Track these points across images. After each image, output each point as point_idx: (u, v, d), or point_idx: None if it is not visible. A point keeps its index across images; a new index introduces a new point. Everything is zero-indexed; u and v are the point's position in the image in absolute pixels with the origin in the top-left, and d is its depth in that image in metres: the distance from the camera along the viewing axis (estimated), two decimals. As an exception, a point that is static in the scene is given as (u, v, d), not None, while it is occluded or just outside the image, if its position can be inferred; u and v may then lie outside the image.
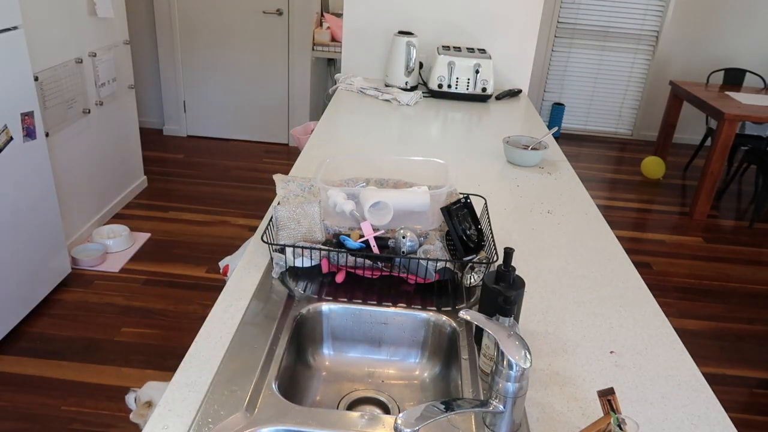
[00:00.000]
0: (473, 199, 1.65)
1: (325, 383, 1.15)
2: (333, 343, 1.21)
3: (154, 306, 2.68)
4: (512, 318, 0.97)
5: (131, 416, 1.88)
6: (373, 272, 1.24)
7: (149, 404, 1.84)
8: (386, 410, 1.10)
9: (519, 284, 1.02)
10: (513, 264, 1.37)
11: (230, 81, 4.61)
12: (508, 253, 1.00)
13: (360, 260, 1.22)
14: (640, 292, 1.29)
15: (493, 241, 1.28)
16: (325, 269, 1.25)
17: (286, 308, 1.15)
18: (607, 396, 0.81)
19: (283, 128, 4.76)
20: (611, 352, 1.09)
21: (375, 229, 1.27)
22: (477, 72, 2.64)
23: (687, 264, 3.48)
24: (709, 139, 4.89)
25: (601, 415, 0.84)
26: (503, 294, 0.97)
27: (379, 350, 1.21)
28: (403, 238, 1.22)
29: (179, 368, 0.97)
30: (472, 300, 1.21)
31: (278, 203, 1.33)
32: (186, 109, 4.73)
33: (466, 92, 2.68)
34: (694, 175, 4.94)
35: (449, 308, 1.18)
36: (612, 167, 5.00)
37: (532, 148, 2.01)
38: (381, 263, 1.24)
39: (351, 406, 1.10)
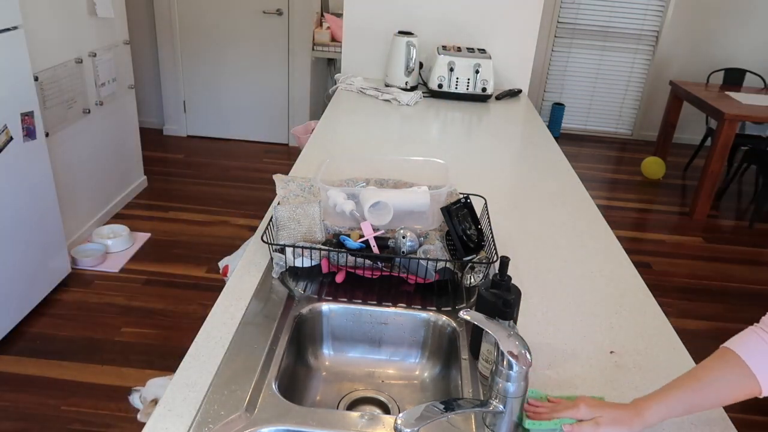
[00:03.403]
0: (473, 199, 1.65)
1: (325, 383, 1.15)
2: (333, 343, 1.21)
3: (154, 306, 2.68)
4: (511, 321, 0.97)
5: (139, 416, 1.88)
6: (373, 272, 1.24)
7: (155, 402, 1.84)
8: (386, 410, 1.10)
9: (515, 292, 1.01)
10: (513, 263, 1.37)
11: (230, 81, 4.61)
12: (505, 262, 0.98)
13: (360, 260, 1.22)
14: (640, 292, 1.29)
15: (493, 241, 1.28)
16: (325, 269, 1.25)
17: (286, 308, 1.15)
18: None
19: (283, 128, 4.76)
20: (611, 352, 1.09)
21: (375, 229, 1.27)
22: (477, 72, 2.64)
23: (687, 264, 3.48)
24: (709, 139, 4.88)
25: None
26: (503, 297, 0.96)
27: (379, 350, 1.21)
28: (403, 238, 1.22)
29: (179, 368, 0.97)
30: (472, 300, 1.21)
31: (278, 203, 1.33)
32: (186, 109, 4.73)
33: (466, 92, 2.68)
34: (694, 175, 4.94)
35: (449, 308, 1.18)
36: (612, 167, 5.00)
37: None
38: (381, 263, 1.24)
39: (351, 406, 1.10)
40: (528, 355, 0.82)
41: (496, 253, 1.24)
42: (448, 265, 1.23)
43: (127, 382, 2.24)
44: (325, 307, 1.18)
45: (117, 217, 3.44)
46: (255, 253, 1.33)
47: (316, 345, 1.20)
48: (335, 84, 2.87)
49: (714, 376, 0.83)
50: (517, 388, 0.83)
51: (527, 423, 0.89)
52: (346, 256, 1.22)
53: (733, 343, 0.84)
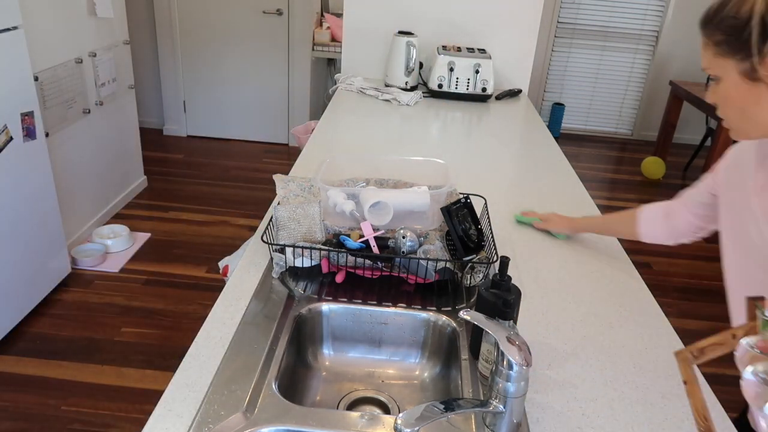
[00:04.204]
0: (473, 199, 1.65)
1: (325, 383, 1.15)
2: (333, 343, 1.21)
3: (154, 306, 2.68)
4: (511, 321, 0.97)
5: None
6: (373, 272, 1.24)
7: None
8: (386, 410, 1.10)
9: (515, 292, 1.01)
10: (513, 263, 1.37)
11: (230, 81, 4.61)
12: (505, 262, 0.98)
13: (360, 260, 1.22)
14: (640, 292, 1.29)
15: (493, 241, 1.28)
16: (325, 269, 1.25)
17: (286, 308, 1.15)
18: (756, 301, 0.73)
19: (283, 128, 4.76)
20: (611, 353, 1.08)
21: (375, 229, 1.27)
22: (477, 72, 2.64)
23: (687, 264, 3.48)
24: (709, 139, 4.88)
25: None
26: (503, 297, 0.96)
27: (379, 350, 1.21)
28: (403, 238, 1.22)
29: (179, 368, 0.97)
30: (472, 300, 1.21)
31: (278, 203, 1.33)
32: (186, 109, 4.73)
33: (466, 92, 2.68)
34: (694, 175, 4.93)
35: (449, 308, 1.18)
36: (612, 167, 5.00)
37: None
38: (381, 263, 1.24)
39: (351, 406, 1.10)
40: (528, 355, 0.82)
41: (496, 253, 1.24)
42: (448, 265, 1.23)
43: (127, 382, 2.24)
44: (325, 307, 1.18)
45: (117, 217, 3.44)
46: (255, 253, 1.33)
47: (316, 345, 1.20)
48: (335, 84, 2.87)
49: (617, 220, 1.41)
50: (517, 388, 0.83)
51: (517, 217, 1.56)
52: (346, 256, 1.22)
53: (641, 208, 1.34)
